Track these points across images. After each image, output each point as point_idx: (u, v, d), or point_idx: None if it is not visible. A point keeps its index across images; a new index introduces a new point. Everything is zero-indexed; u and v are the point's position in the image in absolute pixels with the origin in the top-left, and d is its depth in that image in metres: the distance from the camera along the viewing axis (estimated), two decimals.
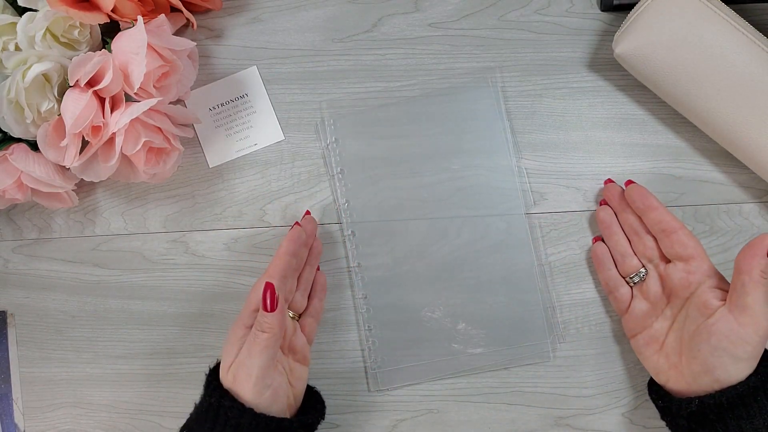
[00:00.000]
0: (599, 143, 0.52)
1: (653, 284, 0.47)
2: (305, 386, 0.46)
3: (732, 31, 0.46)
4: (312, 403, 0.47)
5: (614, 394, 0.51)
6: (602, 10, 0.53)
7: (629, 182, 0.49)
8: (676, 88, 0.48)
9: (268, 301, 0.40)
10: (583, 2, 0.53)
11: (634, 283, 0.48)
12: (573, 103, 0.53)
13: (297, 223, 0.49)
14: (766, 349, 0.41)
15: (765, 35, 0.46)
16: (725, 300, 0.41)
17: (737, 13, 0.46)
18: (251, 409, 0.39)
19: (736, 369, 0.40)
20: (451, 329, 0.51)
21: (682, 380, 0.43)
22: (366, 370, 0.52)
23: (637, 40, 0.47)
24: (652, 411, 0.46)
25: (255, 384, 0.40)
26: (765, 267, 0.39)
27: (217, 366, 0.43)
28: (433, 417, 0.51)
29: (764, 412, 0.39)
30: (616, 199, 0.49)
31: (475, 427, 0.51)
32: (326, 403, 0.48)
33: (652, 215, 0.46)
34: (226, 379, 0.41)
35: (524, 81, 0.53)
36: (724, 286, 0.43)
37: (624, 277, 0.49)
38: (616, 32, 0.49)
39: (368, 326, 0.52)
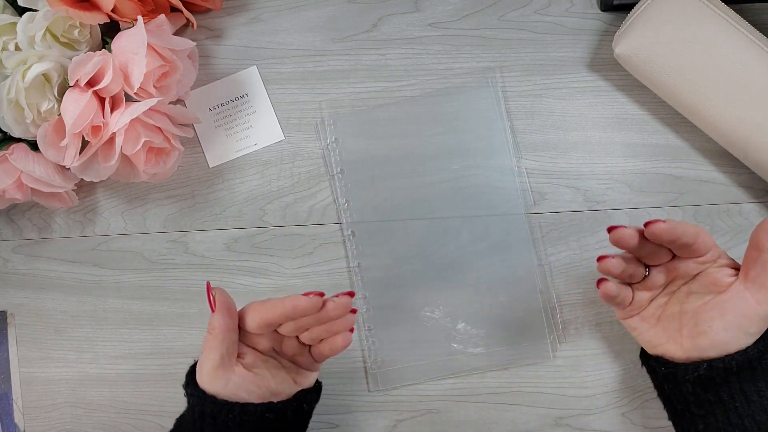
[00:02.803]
0: (599, 143, 0.52)
1: (658, 277, 0.44)
2: (314, 380, 0.46)
3: (732, 31, 0.46)
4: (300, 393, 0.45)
5: (614, 394, 0.51)
6: (602, 10, 0.53)
7: (649, 223, 0.41)
8: (675, 87, 0.48)
9: (209, 301, 0.41)
10: (583, 2, 0.53)
11: (640, 282, 0.45)
12: (573, 103, 0.53)
13: (326, 300, 0.41)
14: None
15: (765, 35, 0.46)
16: (736, 276, 0.41)
17: (737, 13, 0.46)
18: (213, 396, 0.40)
19: (746, 343, 0.40)
20: (451, 329, 0.51)
21: (680, 351, 0.43)
22: (366, 370, 0.52)
23: (637, 40, 0.47)
24: (652, 411, 0.46)
25: (207, 377, 0.40)
26: None
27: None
28: (433, 417, 0.51)
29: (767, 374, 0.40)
30: (630, 246, 0.42)
31: (475, 427, 0.51)
32: (326, 403, 0.48)
33: (674, 236, 0.40)
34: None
35: (524, 81, 0.53)
36: (732, 263, 0.42)
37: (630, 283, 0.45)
38: (616, 32, 0.50)
39: (368, 326, 0.52)
